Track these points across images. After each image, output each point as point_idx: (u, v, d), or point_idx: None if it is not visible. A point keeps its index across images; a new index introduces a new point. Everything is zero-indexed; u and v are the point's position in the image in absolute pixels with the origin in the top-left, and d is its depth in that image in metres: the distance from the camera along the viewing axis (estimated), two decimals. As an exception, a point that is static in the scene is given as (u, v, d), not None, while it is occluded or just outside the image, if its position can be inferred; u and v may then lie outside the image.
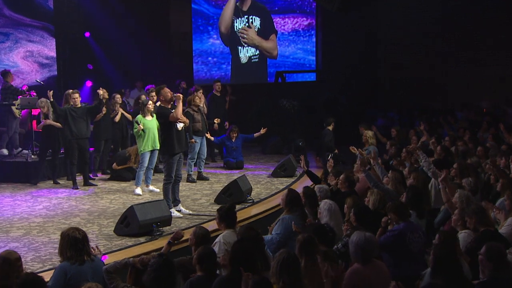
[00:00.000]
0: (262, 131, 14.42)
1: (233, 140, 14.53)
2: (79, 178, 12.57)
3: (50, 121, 12.46)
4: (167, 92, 9.89)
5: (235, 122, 15.24)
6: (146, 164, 11.81)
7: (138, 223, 8.61)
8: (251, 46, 20.49)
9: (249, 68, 20.61)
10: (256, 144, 17.00)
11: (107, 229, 9.23)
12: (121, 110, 13.52)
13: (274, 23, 20.89)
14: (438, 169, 8.67)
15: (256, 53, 20.59)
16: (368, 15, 20.05)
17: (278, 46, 20.89)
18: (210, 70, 20.59)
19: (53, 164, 12.97)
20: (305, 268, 5.51)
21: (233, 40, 20.44)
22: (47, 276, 6.05)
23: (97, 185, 12.60)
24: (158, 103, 12.78)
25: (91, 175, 13.08)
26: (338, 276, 5.46)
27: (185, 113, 11.72)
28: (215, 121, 14.56)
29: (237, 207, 10.37)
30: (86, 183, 12.58)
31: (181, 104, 9.64)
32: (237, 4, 20.23)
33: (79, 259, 5.75)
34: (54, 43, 17.67)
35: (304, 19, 21.27)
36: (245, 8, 20.34)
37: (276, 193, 11.75)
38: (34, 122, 13.65)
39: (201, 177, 13.06)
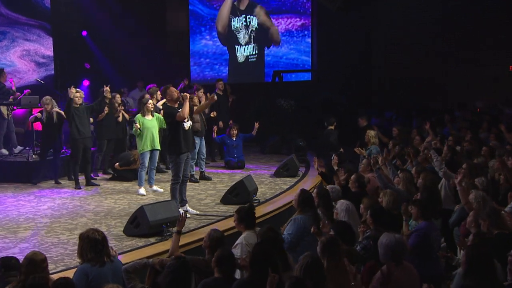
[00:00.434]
0: (256, 125, 14.49)
1: (234, 138, 14.52)
2: (81, 178, 12.49)
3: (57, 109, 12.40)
4: (173, 91, 9.85)
5: (233, 122, 15.23)
6: (146, 164, 11.77)
7: (148, 223, 8.55)
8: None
9: (247, 68, 20.58)
10: (254, 144, 16.98)
11: (115, 229, 9.16)
12: (121, 110, 13.46)
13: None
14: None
15: (254, 53, 20.55)
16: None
17: (265, 57, 20.90)
18: (203, 71, 20.60)
19: (54, 164, 12.87)
20: (327, 269, 5.48)
21: (230, 39, 20.42)
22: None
23: (99, 185, 12.53)
24: (159, 103, 12.86)
25: (92, 174, 13.00)
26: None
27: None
28: (212, 115, 14.41)
29: (244, 207, 10.47)
30: (89, 183, 12.50)
31: (187, 103, 9.58)
32: (235, 3, 20.20)
33: (99, 260, 5.69)
34: (51, 42, 17.61)
35: (298, 19, 21.24)
36: (242, 7, 20.32)
37: (281, 193, 11.75)
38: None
39: (203, 177, 13.02)
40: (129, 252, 8.06)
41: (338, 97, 19.43)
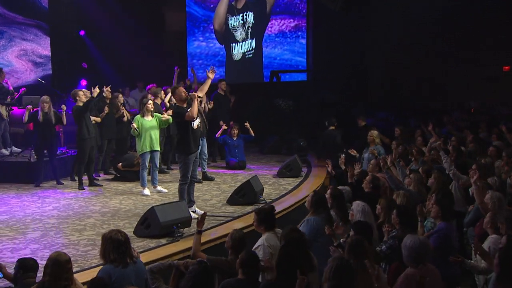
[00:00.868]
0: (246, 125, 14.55)
1: (234, 138, 14.51)
2: (84, 178, 12.41)
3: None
4: (182, 91, 9.82)
5: (234, 122, 15.21)
6: (147, 164, 11.73)
7: (159, 224, 8.52)
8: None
9: (244, 65, 20.56)
10: (253, 144, 16.95)
11: (125, 230, 8.85)
12: (125, 110, 13.41)
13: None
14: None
15: (251, 48, 20.54)
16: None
17: (264, 48, 20.88)
18: (196, 72, 20.50)
19: (52, 164, 12.76)
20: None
21: (227, 38, 20.38)
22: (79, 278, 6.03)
23: (102, 186, 12.46)
24: (166, 98, 12.81)
25: (93, 175, 12.93)
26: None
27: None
28: (209, 105, 14.31)
29: (252, 208, 10.45)
30: (91, 183, 12.44)
31: (196, 102, 9.56)
32: (232, 3, 20.18)
33: (122, 261, 5.66)
34: (48, 41, 17.54)
35: (291, 20, 21.28)
36: (239, 6, 20.31)
37: (286, 194, 11.74)
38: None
39: (206, 177, 13.00)
40: (141, 253, 8.00)
41: (337, 96, 19.45)
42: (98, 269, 7.10)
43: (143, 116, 11.73)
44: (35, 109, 12.54)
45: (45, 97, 12.52)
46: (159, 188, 11.83)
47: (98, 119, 12.68)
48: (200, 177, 12.88)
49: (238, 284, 5.44)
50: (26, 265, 5.77)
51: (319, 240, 7.15)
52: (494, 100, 19.01)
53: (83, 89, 12.74)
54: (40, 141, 12.53)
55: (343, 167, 10.20)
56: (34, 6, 17.24)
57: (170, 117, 11.89)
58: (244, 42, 20.50)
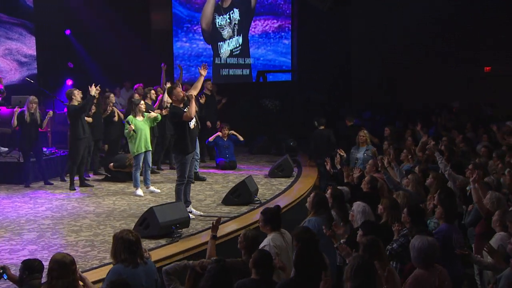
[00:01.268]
0: (232, 132, 14.69)
1: (225, 139, 14.50)
2: (75, 179, 12.32)
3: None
4: (179, 92, 9.78)
5: (221, 122, 15.21)
6: (140, 165, 11.67)
7: (158, 225, 8.49)
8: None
9: (231, 65, 20.53)
10: (242, 144, 16.91)
11: None
12: (116, 110, 13.33)
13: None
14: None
15: (237, 45, 20.54)
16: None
17: (249, 47, 20.90)
18: (178, 71, 20.47)
19: (39, 165, 12.62)
20: None
21: (214, 37, 20.32)
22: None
23: (93, 186, 12.37)
24: (165, 97, 12.75)
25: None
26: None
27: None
28: (201, 100, 14.28)
29: (247, 208, 10.47)
30: (83, 183, 12.34)
31: (194, 102, 9.54)
32: (218, 3, 20.14)
33: (133, 261, 5.64)
34: (33, 41, 17.32)
35: (275, 21, 21.36)
36: (225, 5, 20.30)
37: (279, 194, 11.77)
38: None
39: (198, 178, 12.95)
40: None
41: (324, 97, 19.51)
42: (99, 270, 7.22)
43: (135, 116, 11.66)
44: (20, 109, 12.38)
45: (33, 98, 12.40)
46: (151, 188, 11.78)
47: (90, 119, 12.60)
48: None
49: (252, 284, 5.43)
50: (32, 266, 5.73)
51: (320, 241, 7.16)
52: (495, 100, 19.11)
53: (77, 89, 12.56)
54: (25, 141, 12.35)
55: (339, 166, 10.23)
56: (19, 5, 17.02)
57: (158, 115, 11.86)
58: (231, 40, 20.49)
